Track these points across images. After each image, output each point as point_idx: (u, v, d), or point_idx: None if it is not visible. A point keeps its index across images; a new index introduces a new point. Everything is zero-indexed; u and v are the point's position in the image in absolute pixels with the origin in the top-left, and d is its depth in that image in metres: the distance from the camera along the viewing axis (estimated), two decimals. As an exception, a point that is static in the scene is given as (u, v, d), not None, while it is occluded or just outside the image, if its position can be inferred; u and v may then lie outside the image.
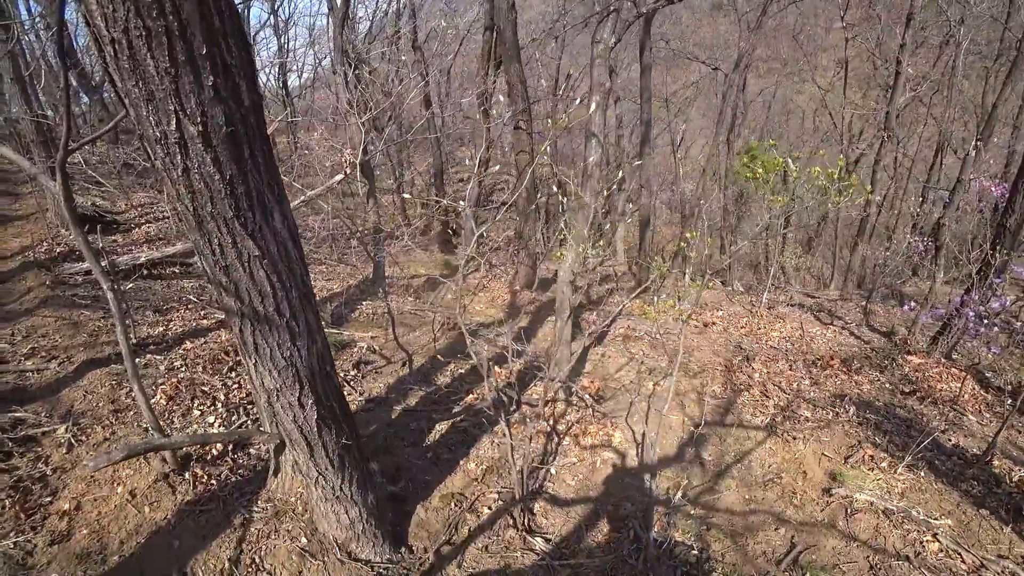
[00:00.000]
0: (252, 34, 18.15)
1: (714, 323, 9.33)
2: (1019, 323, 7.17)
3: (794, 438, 5.71)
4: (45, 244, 7.95)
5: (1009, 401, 6.45)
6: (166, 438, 3.34)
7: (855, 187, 3.96)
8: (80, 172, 10.84)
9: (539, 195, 9.20)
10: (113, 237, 9.04)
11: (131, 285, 7.32)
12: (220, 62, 1.72)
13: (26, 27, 10.16)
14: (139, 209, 10.56)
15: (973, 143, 10.67)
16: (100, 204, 10.28)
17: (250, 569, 3.39)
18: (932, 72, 14.48)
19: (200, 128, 1.74)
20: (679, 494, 4.70)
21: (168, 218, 9.95)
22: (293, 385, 2.48)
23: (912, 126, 15.67)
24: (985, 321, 6.54)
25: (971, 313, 6.73)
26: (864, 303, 10.73)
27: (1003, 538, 4.40)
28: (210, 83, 1.71)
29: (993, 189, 10.14)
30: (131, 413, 4.70)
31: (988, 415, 6.40)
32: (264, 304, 2.18)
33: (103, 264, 7.17)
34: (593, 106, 4.81)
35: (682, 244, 4.29)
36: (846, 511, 4.72)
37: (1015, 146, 13.08)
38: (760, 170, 8.78)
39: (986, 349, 7.24)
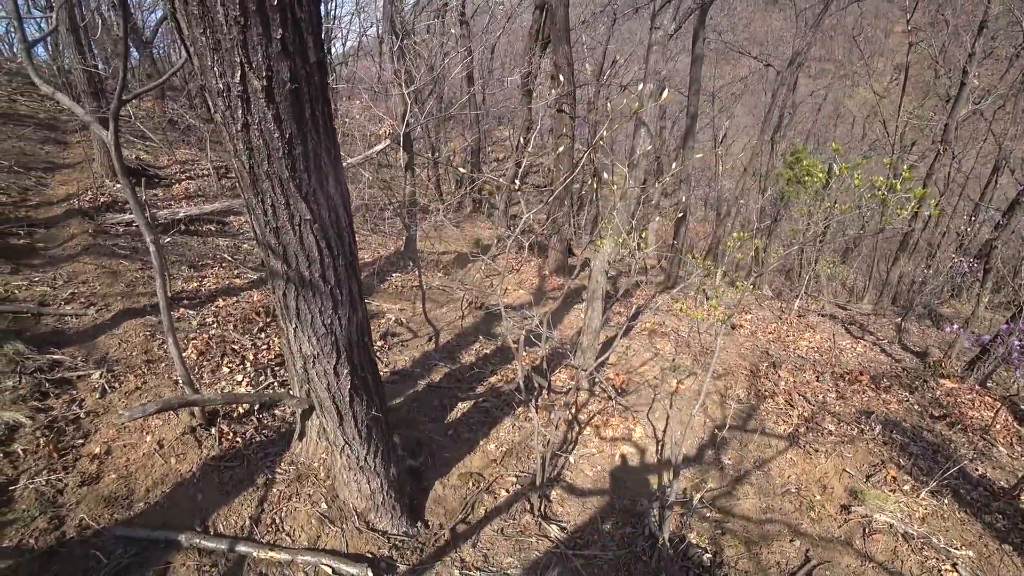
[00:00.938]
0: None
1: (742, 326, 9.14)
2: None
3: (816, 451, 5.58)
4: (90, 193, 8.07)
5: (1045, 435, 6.20)
6: (198, 394, 3.36)
7: (919, 196, 3.75)
8: (127, 126, 10.99)
9: (576, 182, 9.05)
10: (154, 191, 9.17)
11: (168, 239, 7.42)
12: (290, 15, 1.65)
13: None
14: (181, 165, 10.69)
15: (1033, 163, 10.16)
16: (144, 158, 10.45)
17: (270, 528, 3.42)
18: (998, 85, 13.74)
19: (265, 83, 1.68)
20: (698, 496, 4.62)
21: (207, 175, 10.07)
22: (331, 353, 2.45)
23: (969, 141, 14.96)
24: (1030, 351, 6.26)
25: (1017, 342, 6.44)
26: (899, 320, 10.39)
27: (1025, 575, 4.25)
28: (278, 36, 1.64)
29: (1051, 213, 9.66)
30: (163, 365, 4.76)
31: (1020, 448, 6.16)
32: (311, 270, 2.13)
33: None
34: (647, 92, 4.65)
35: (729, 244, 4.14)
36: (864, 530, 4.59)
37: (1078, 170, 12.43)
38: (808, 177, 8.46)
39: (1025, 380, 6.96)
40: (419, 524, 3.74)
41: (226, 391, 4.59)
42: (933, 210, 4.08)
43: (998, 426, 6.50)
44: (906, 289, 13.09)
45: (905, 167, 3.99)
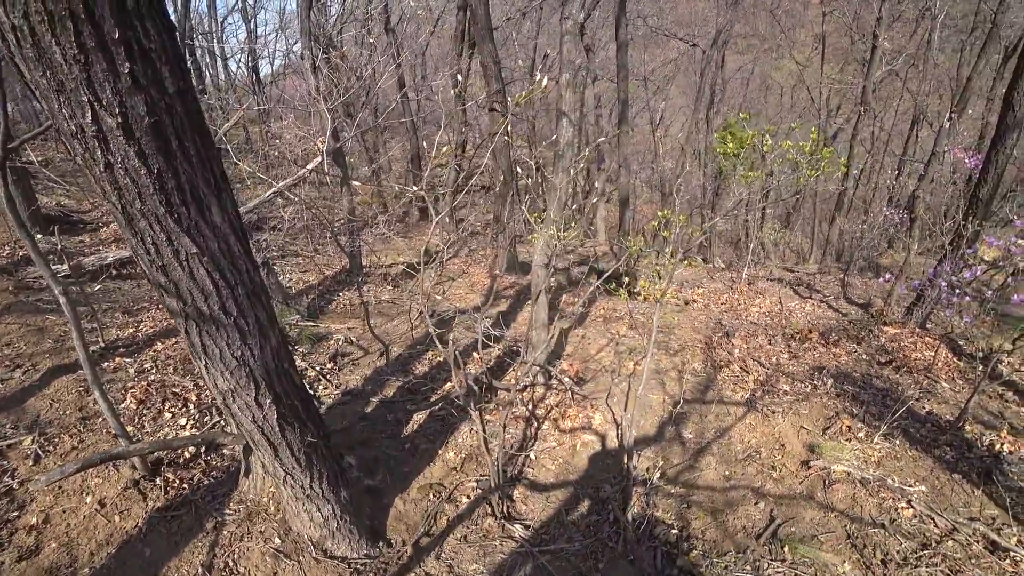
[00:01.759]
0: (220, 20, 17.62)
1: (695, 300, 9.35)
2: (990, 292, 7.23)
3: (773, 412, 5.74)
4: (7, 248, 7.67)
5: (980, 368, 6.54)
6: (130, 445, 3.23)
7: (828, 159, 3.91)
8: (43, 173, 10.48)
9: (517, 178, 9.08)
10: (80, 237, 8.77)
11: (99, 286, 7.11)
12: (137, 47, 1.59)
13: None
14: (106, 208, 10.22)
15: (947, 115, 10.72)
16: (65, 204, 9.98)
17: (224, 573, 3.31)
18: (908, 46, 14.45)
19: (119, 119, 1.62)
20: (657, 474, 4.70)
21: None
22: (248, 385, 2.38)
23: (888, 100, 15.70)
24: (957, 291, 6.59)
25: (944, 283, 6.78)
26: (842, 276, 10.81)
27: (974, 501, 4.46)
28: (126, 70, 1.58)
29: (967, 160, 10.19)
30: (100, 420, 4.56)
31: (960, 382, 6.49)
32: (208, 303, 2.07)
33: (63, 267, 6.97)
34: (564, 82, 4.69)
35: (655, 224, 4.23)
36: (824, 482, 4.75)
37: (988, 118, 13.16)
38: (732, 146, 8.74)
39: (958, 318, 7.33)
40: (381, 544, 3.69)
41: (169, 437, 4.43)
42: (842, 166, 4.26)
43: (939, 364, 6.83)
44: (846, 245, 13.65)
45: (813, 130, 4.16)
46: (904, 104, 15.08)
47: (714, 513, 4.47)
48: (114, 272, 7.50)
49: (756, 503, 4.58)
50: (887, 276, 8.66)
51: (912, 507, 4.41)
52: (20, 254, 7.50)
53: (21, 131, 9.71)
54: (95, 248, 8.25)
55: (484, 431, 3.69)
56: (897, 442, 5.21)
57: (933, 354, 6.98)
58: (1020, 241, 5.41)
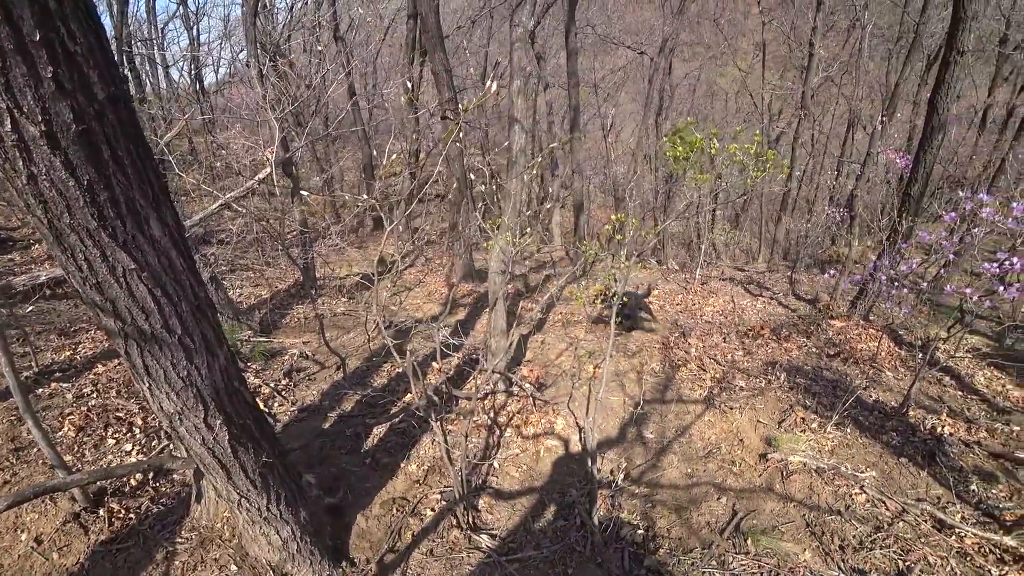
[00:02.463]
0: (160, 26, 16.95)
1: (650, 302, 9.52)
2: (925, 283, 7.66)
3: (731, 408, 5.88)
4: (-75, 268, 7.12)
5: (920, 355, 6.89)
6: (68, 476, 3.02)
7: (772, 161, 4.05)
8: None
9: (472, 185, 9.06)
10: (10, 255, 8.23)
11: (31, 307, 6.68)
12: (61, 49, 1.49)
13: None
14: (32, 223, 9.64)
15: (879, 119, 11.37)
16: (-7, 220, 9.35)
17: (175, 606, 3.14)
18: (842, 54, 15.26)
19: (43, 127, 1.51)
20: (621, 476, 4.73)
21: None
22: (196, 406, 2.26)
23: (826, 105, 16.54)
24: (896, 283, 6.95)
25: (884, 277, 7.13)
26: (790, 273, 11.24)
27: (920, 482, 4.67)
28: (49, 75, 1.48)
29: (898, 160, 10.81)
30: (35, 450, 4.27)
31: (903, 370, 6.81)
32: (150, 322, 1.95)
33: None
34: (515, 89, 4.71)
35: (608, 227, 4.29)
36: (782, 474, 4.88)
37: (915, 121, 14.04)
38: (682, 149, 8.96)
39: (898, 309, 7.72)
40: (344, 564, 3.57)
41: (112, 464, 4.18)
42: (784, 168, 4.42)
43: (883, 353, 7.16)
44: (792, 244, 14.24)
45: (757, 133, 4.33)
46: (840, 109, 15.91)
47: (678, 511, 4.52)
48: (48, 292, 7.06)
49: (718, 498, 4.67)
50: (831, 272, 9.05)
51: (865, 492, 4.59)
52: (-60, 276, 6.97)
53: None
54: (26, 267, 7.76)
55: (446, 442, 3.63)
56: (848, 430, 5.41)
57: (877, 344, 7.32)
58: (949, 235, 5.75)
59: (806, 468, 4.92)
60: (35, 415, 3.44)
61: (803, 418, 5.69)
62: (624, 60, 19.82)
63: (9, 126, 1.47)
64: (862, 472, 4.82)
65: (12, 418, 4.60)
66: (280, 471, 2.95)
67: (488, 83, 3.52)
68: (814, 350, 7.43)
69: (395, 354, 3.52)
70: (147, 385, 2.17)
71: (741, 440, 5.43)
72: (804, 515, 4.38)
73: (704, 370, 6.89)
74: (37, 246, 8.73)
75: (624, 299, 6.99)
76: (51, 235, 1.70)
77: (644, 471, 4.98)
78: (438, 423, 3.60)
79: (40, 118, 1.50)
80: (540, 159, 3.74)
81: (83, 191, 1.64)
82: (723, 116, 19.79)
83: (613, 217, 4.07)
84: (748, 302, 9.73)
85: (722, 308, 9.33)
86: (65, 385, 5.14)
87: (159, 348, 2.04)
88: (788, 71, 18.39)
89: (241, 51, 17.44)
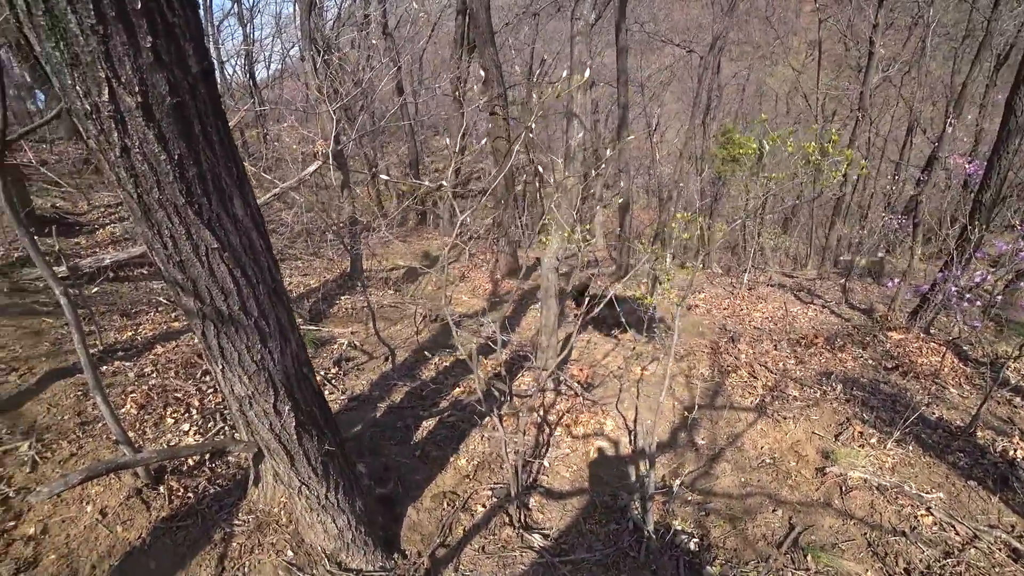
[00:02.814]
0: (216, 23, 17.40)
1: (696, 306, 9.25)
2: (995, 296, 7.19)
3: (784, 418, 5.64)
4: (2, 249, 7.43)
5: (989, 374, 6.47)
6: (133, 455, 3.05)
7: (850, 159, 3.80)
8: (38, 173, 10.23)
9: (517, 182, 8.96)
10: (76, 239, 8.53)
11: (96, 289, 6.89)
12: (160, 19, 1.44)
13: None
14: (102, 209, 10.02)
15: (948, 122, 10.75)
16: (60, 206, 9.73)
17: (233, 586, 3.14)
18: (902, 53, 14.53)
19: (139, 99, 1.46)
20: (678, 482, 4.56)
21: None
22: (267, 391, 2.21)
23: (884, 107, 15.77)
24: (966, 296, 6.53)
25: (953, 288, 6.71)
26: (843, 281, 10.77)
27: (992, 508, 4.37)
28: (148, 44, 1.43)
29: (966, 166, 10.20)
30: (99, 425, 4.36)
31: (968, 387, 6.41)
32: (228, 303, 1.90)
33: (61, 268, 6.76)
34: (575, 83, 4.58)
35: (674, 227, 4.10)
36: (841, 489, 4.64)
37: (983, 124, 13.25)
38: (742, 149, 8.63)
39: (963, 323, 7.27)
40: (396, 555, 3.51)
41: (172, 443, 4.23)
42: (862, 170, 4.14)
43: (946, 369, 6.75)
44: (845, 251, 13.64)
45: (833, 131, 4.05)
46: (899, 111, 15.15)
47: (732, 521, 4.34)
48: (111, 275, 7.28)
49: (774, 510, 4.46)
50: (894, 280, 8.60)
51: (931, 514, 4.31)
52: (15, 256, 7.26)
53: (14, 132, 9.45)
54: (92, 250, 8.02)
55: (506, 435, 3.53)
56: (910, 448, 5.11)
57: (940, 360, 6.91)
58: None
59: (867, 485, 4.66)
60: (103, 391, 3.49)
61: (861, 432, 5.40)
62: (671, 59, 19.38)
63: (107, 95, 1.43)
64: (928, 493, 4.53)
65: (78, 393, 4.72)
66: (340, 460, 2.90)
67: (565, 74, 3.40)
68: (871, 362, 7.07)
69: (459, 346, 3.43)
70: (220, 367, 2.13)
71: (796, 451, 5.19)
72: (866, 534, 4.14)
73: (755, 377, 6.63)
74: (101, 231, 9.03)
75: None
76: (139, 210, 1.66)
77: (696, 478, 4.80)
78: (497, 417, 3.49)
79: (137, 88, 1.45)
80: (607, 156, 3.59)
81: (173, 166, 1.59)
82: (773, 117, 19.12)
83: (679, 215, 3.89)
84: (799, 309, 9.35)
85: (771, 314, 8.99)
86: (127, 364, 5.25)
87: (235, 330, 2.00)
88: (843, 71, 17.63)
89: (293, 47, 17.80)
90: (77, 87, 1.42)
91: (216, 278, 1.83)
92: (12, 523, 3.47)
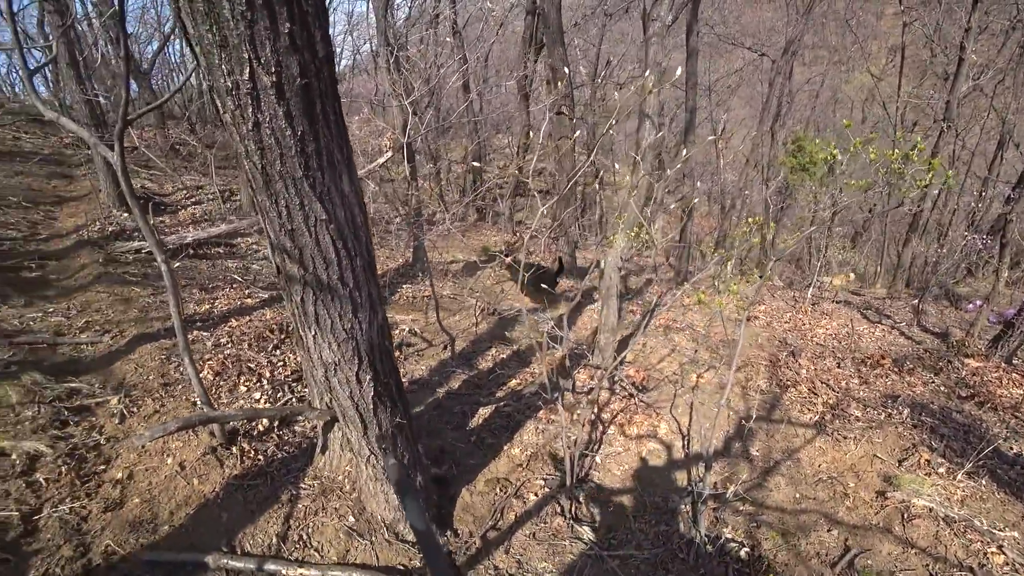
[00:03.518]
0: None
1: (756, 317, 9.02)
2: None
3: (844, 438, 5.45)
4: (98, 224, 8.09)
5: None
6: (217, 411, 3.30)
7: (935, 169, 3.63)
8: (132, 156, 11.05)
9: (578, 183, 9.00)
10: (161, 218, 9.19)
11: (178, 264, 7.41)
12: (297, 8, 1.60)
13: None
14: (185, 191, 10.74)
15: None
16: (148, 187, 10.50)
17: (297, 545, 3.33)
18: (996, 60, 13.58)
19: (274, 79, 1.62)
20: (732, 489, 4.50)
21: (213, 199, 10.11)
22: (352, 359, 2.37)
23: (972, 118, 14.78)
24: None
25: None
26: (915, 302, 10.22)
27: (1074, 554, 4.09)
28: (286, 30, 1.59)
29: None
30: (180, 387, 4.72)
31: (1054, 425, 5.99)
32: (328, 272, 2.06)
33: (149, 242, 7.28)
34: (661, 82, 4.60)
35: (738, 235, 4.05)
36: (903, 516, 4.45)
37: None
38: (809, 159, 8.37)
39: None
40: (448, 533, 3.65)
41: (246, 407, 4.53)
42: (949, 182, 3.93)
43: (1029, 402, 6.34)
44: (919, 270, 12.90)
45: (918, 139, 3.86)
46: (989, 123, 14.17)
47: (785, 535, 4.24)
48: (191, 252, 7.81)
49: (829, 529, 4.33)
50: (975, 304, 8.12)
51: (1004, 553, 4.07)
52: (109, 230, 7.91)
53: (111, 118, 10.23)
54: (175, 229, 8.63)
55: (565, 427, 3.60)
56: (983, 482, 4.83)
57: (1023, 392, 6.49)
58: None
59: (932, 514, 4.44)
60: (191, 354, 3.78)
61: (928, 460, 5.14)
62: (740, 62, 18.87)
63: (247, 75, 1.60)
64: (1001, 530, 4.28)
65: (162, 357, 5.11)
66: (408, 433, 3.05)
67: (643, 81, 3.44)
68: (943, 389, 6.71)
69: (530, 338, 3.52)
70: (312, 333, 2.30)
71: (855, 473, 5.01)
72: (928, 565, 3.96)
73: (815, 394, 6.42)
74: (183, 211, 9.69)
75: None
76: (261, 180, 1.84)
77: (749, 488, 4.71)
78: (562, 406, 3.57)
79: (273, 69, 1.61)
80: (683, 158, 3.60)
81: (296, 140, 1.76)
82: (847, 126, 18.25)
83: (749, 220, 3.85)
84: (865, 328, 8.96)
85: (835, 332, 8.66)
86: (205, 334, 5.64)
87: (332, 298, 2.16)
88: (927, 78, 16.63)
89: (364, 44, 18.39)
90: (223, 66, 1.60)
91: (320, 248, 2.00)
92: (103, 467, 3.81)
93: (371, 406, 2.62)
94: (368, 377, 2.48)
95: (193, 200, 10.31)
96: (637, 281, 10.34)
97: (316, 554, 3.30)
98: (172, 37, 14.88)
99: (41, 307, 5.65)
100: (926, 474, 4.96)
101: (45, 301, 5.79)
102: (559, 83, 8.91)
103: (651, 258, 9.72)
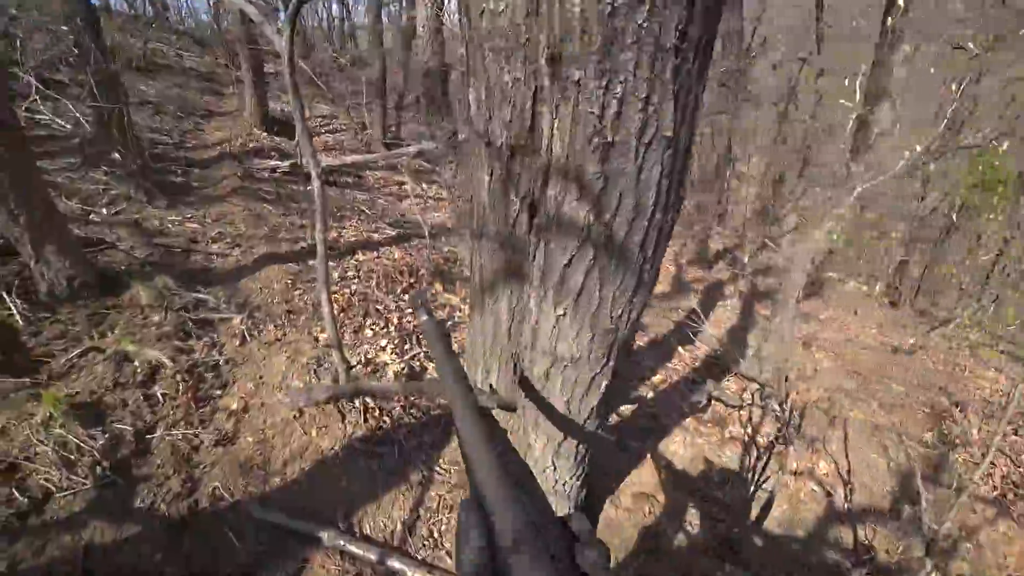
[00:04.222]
0: None
1: (907, 350, 7.50)
2: None
3: (1035, 525, 4.17)
4: (240, 140, 7.87)
5: None
6: (374, 383, 2.60)
7: None
8: (276, 82, 10.91)
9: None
10: (295, 141, 8.86)
11: (309, 187, 6.98)
12: None
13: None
14: (320, 120, 10.48)
15: None
16: (287, 111, 10.26)
17: (427, 542, 2.64)
18: None
19: None
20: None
21: (345, 130, 9.80)
22: (601, 358, 1.52)
23: None
24: None
25: None
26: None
27: None
28: None
29: None
30: (302, 318, 4.16)
31: None
32: (632, 226, 1.20)
33: (287, 163, 6.86)
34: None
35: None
36: None
37: None
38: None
39: None
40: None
41: (369, 357, 3.88)
42: None
43: None
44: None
45: None
46: None
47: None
48: (324, 178, 7.37)
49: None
50: None
51: None
52: (250, 146, 7.62)
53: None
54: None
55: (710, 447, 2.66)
56: None
57: None
58: None
59: None
60: (329, 287, 3.10)
61: None
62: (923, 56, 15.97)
63: None
64: None
65: (288, 281, 4.60)
66: (598, 443, 2.22)
67: None
68: None
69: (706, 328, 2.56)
70: (560, 312, 1.46)
71: (1058, 574, 3.78)
72: None
73: (993, 463, 5.06)
74: (317, 138, 9.32)
75: None
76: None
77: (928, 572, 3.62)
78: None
79: None
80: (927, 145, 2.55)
81: None
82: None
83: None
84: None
85: (1005, 390, 7.03)
86: (331, 264, 5.09)
87: (615, 267, 1.29)
88: None
89: None
90: None
91: (640, 183, 1.13)
92: (219, 392, 3.32)
93: (584, 416, 1.79)
94: (604, 383, 1.63)
95: (328, 128, 10.01)
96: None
97: (448, 558, 2.59)
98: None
99: (181, 212, 5.33)
100: None
101: (185, 206, 5.47)
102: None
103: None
